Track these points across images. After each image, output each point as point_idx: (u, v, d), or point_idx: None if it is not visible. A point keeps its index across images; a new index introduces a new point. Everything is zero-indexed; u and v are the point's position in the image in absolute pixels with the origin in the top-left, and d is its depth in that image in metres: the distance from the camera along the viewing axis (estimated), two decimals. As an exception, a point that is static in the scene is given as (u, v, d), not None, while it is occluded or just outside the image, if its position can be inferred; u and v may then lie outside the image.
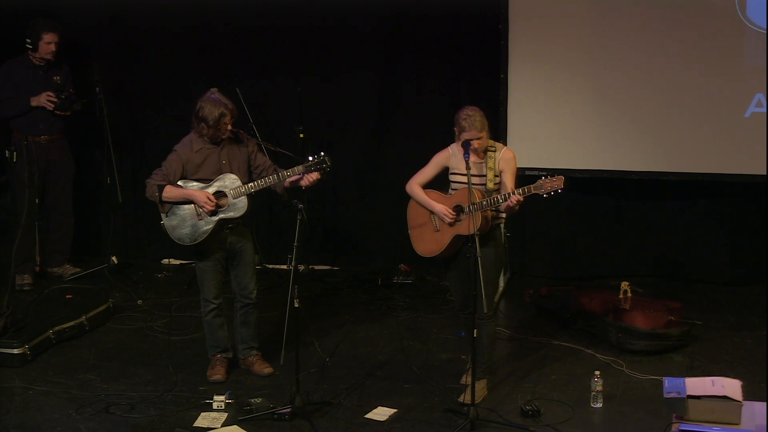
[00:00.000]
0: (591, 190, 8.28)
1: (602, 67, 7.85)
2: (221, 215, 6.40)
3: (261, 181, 6.39)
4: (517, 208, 5.93)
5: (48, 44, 8.05)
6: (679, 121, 7.82)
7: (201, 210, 6.39)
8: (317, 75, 8.53)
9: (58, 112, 8.11)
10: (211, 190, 6.40)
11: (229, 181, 6.41)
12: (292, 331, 6.19)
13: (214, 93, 6.48)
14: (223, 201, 6.40)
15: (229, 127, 6.42)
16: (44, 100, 8.05)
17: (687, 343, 7.03)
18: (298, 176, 6.38)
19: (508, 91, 7.94)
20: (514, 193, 5.90)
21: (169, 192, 6.39)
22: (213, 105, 6.37)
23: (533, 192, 5.87)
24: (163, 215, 6.45)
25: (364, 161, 8.67)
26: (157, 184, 6.38)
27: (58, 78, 8.07)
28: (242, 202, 6.41)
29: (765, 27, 7.53)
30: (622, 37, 7.79)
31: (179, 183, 6.41)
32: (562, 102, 7.94)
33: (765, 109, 7.65)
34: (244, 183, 6.41)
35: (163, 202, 6.41)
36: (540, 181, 5.87)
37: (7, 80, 8.11)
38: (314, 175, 6.38)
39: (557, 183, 5.83)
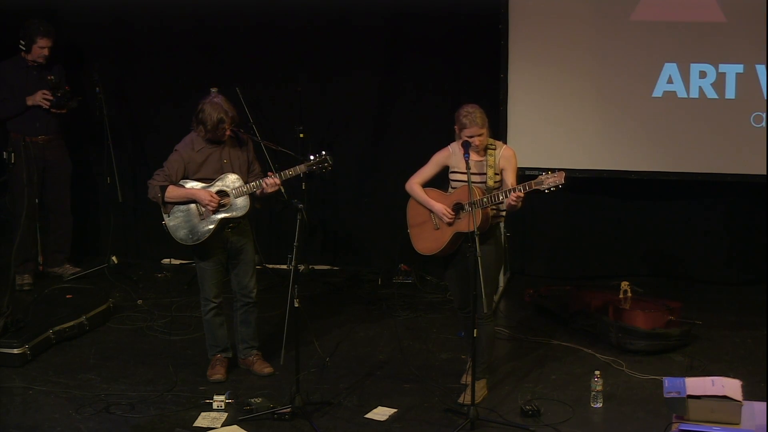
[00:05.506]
0: (591, 190, 8.27)
1: (602, 66, 7.84)
2: (223, 215, 6.39)
3: (260, 182, 6.39)
4: (519, 205, 5.93)
5: (41, 48, 8.03)
6: (679, 121, 7.82)
7: (203, 209, 6.38)
8: (317, 75, 8.52)
9: (54, 111, 8.09)
10: (213, 189, 6.39)
11: (231, 181, 6.40)
12: (292, 331, 6.19)
13: (217, 96, 6.43)
14: (225, 200, 6.40)
15: (228, 132, 6.40)
16: (40, 98, 8.04)
17: (687, 343, 7.03)
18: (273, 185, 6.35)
19: (508, 91, 7.93)
20: (514, 190, 5.90)
21: (172, 192, 6.38)
22: (213, 109, 6.33)
23: (534, 188, 5.88)
24: (165, 215, 6.45)
25: (364, 161, 8.66)
26: (159, 185, 6.37)
27: (52, 77, 8.06)
28: (244, 202, 6.40)
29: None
30: (622, 37, 7.78)
31: (181, 182, 6.41)
32: (562, 102, 7.93)
33: (765, 110, 7.64)
34: (245, 183, 6.41)
35: (165, 203, 6.40)
36: (541, 177, 5.87)
37: (2, 82, 8.11)
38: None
39: (558, 178, 5.84)
